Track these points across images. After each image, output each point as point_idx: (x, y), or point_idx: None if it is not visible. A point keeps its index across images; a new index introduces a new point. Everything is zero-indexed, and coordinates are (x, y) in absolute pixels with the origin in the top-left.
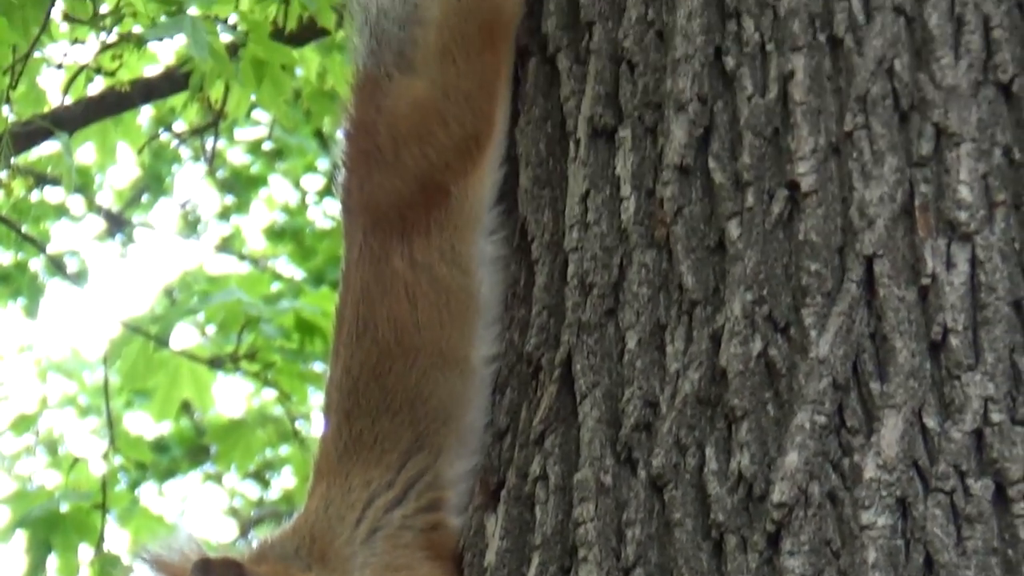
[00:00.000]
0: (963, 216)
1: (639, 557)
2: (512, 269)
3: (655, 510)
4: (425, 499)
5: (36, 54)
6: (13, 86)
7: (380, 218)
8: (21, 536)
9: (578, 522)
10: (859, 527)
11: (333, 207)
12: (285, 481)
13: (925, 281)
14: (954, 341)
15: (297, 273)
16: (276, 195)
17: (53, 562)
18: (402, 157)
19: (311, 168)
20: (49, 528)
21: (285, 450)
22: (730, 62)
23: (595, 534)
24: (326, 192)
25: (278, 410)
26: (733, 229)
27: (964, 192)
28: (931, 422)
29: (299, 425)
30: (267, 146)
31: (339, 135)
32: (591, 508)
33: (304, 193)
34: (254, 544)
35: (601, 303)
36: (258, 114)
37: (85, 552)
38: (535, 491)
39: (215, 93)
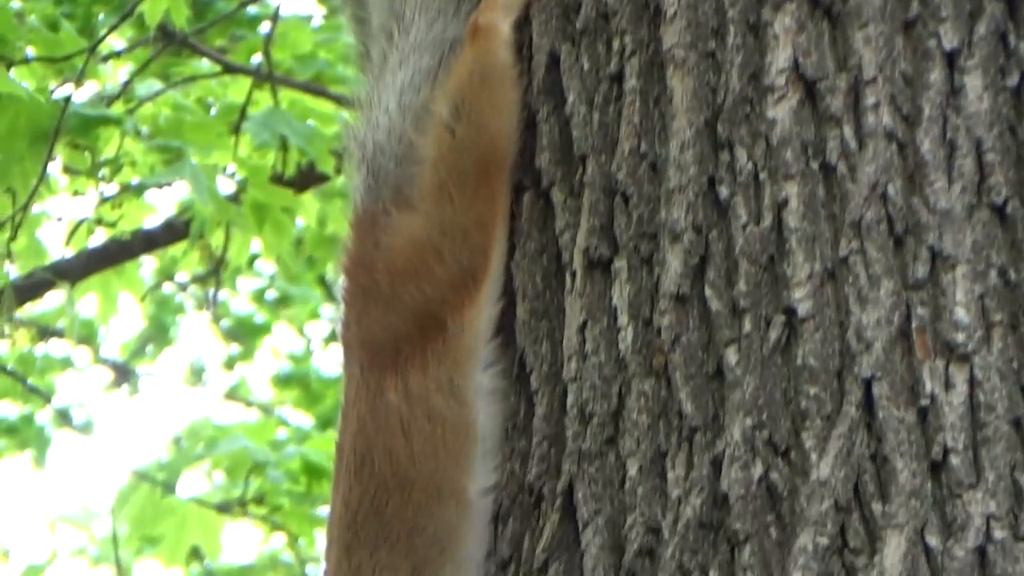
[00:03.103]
0: (960, 337)
1: None
2: (511, 401)
3: None
4: None
5: (36, 209)
6: (13, 238)
7: (376, 353)
8: None
9: None
10: None
11: (338, 354)
12: None
13: (924, 402)
14: (954, 460)
15: (304, 420)
16: (281, 344)
17: None
18: (399, 293)
19: (315, 316)
20: None
21: None
22: (724, 191)
23: None
24: (331, 339)
25: (287, 557)
26: (731, 356)
27: (961, 314)
28: (933, 541)
29: (308, 570)
30: (270, 295)
31: (338, 271)
32: None
33: (309, 341)
34: None
35: (601, 432)
36: (260, 265)
37: None
38: None
39: (216, 240)
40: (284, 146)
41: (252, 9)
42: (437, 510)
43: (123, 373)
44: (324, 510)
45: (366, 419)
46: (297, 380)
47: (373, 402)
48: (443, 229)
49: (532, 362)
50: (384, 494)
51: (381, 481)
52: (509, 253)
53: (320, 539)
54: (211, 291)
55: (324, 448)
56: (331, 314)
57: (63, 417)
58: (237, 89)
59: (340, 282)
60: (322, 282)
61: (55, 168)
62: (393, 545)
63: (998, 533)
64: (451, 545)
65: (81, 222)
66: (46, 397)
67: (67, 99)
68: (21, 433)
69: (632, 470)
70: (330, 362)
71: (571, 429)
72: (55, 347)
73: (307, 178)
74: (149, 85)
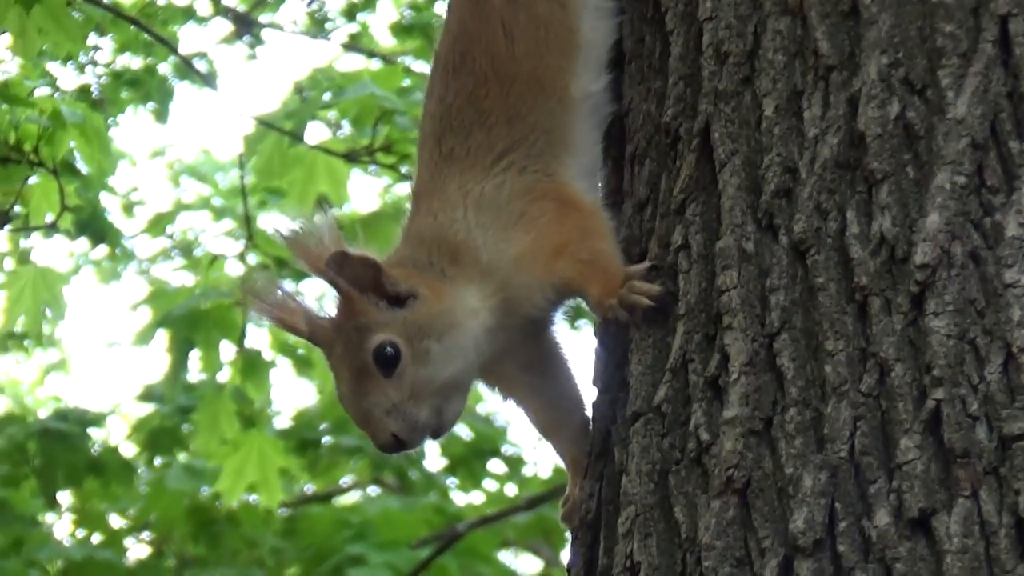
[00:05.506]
0: None
1: (784, 323)
2: (647, 41)
3: (798, 275)
4: (525, 167)
5: None
6: None
7: None
8: (162, 336)
9: (721, 290)
10: (1003, 285)
11: None
12: None
13: None
14: None
15: (427, 68)
16: None
17: (195, 359)
18: None
19: None
20: (191, 326)
21: None
22: None
23: (739, 301)
24: None
25: None
26: None
27: None
28: None
29: None
30: None
31: None
32: (734, 275)
33: None
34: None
35: (737, 71)
36: None
37: (226, 349)
38: (677, 260)
39: None
40: None
41: None
42: (538, 101)
43: (245, 23)
44: None
45: (467, 22)
46: (419, 28)
47: (475, 5)
48: None
49: (667, 1)
50: (483, 88)
51: (480, 76)
52: None
53: None
54: None
55: None
56: None
57: (187, 67)
58: None
59: None
60: None
61: None
62: (490, 128)
63: None
64: (555, 130)
65: None
66: (171, 47)
67: None
68: (144, 85)
69: (768, 109)
70: None
71: (707, 69)
72: None
73: None
74: None
